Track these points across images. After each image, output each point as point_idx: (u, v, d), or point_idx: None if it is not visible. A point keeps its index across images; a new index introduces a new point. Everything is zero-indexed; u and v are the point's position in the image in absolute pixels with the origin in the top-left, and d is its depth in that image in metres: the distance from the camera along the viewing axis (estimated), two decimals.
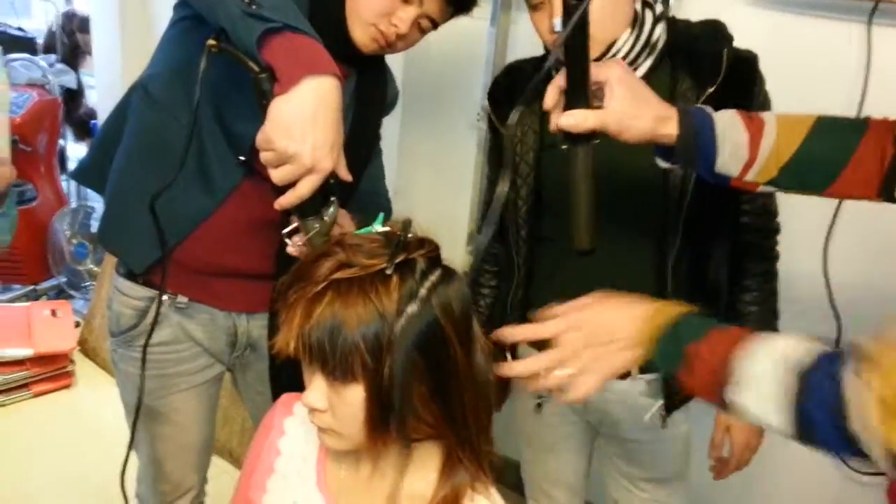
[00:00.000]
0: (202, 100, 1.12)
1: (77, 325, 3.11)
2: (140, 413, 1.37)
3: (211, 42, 0.99)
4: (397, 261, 0.78)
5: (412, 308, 0.77)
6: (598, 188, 0.99)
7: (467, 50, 2.16)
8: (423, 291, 0.78)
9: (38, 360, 2.76)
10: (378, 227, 0.85)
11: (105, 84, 3.19)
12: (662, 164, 1.03)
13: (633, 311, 0.88)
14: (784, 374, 0.74)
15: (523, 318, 1.35)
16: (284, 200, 0.98)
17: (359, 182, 1.29)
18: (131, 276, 1.32)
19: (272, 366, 1.35)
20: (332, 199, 1.04)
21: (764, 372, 0.76)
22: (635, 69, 1.19)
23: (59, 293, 3.56)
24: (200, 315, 1.34)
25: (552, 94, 0.97)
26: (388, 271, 0.77)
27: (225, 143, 1.20)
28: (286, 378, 1.26)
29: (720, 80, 1.17)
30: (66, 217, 3.52)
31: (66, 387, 2.85)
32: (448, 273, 0.82)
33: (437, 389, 0.80)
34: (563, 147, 0.99)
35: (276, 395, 1.32)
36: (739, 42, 1.23)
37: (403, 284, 0.77)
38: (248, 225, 1.26)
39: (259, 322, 1.38)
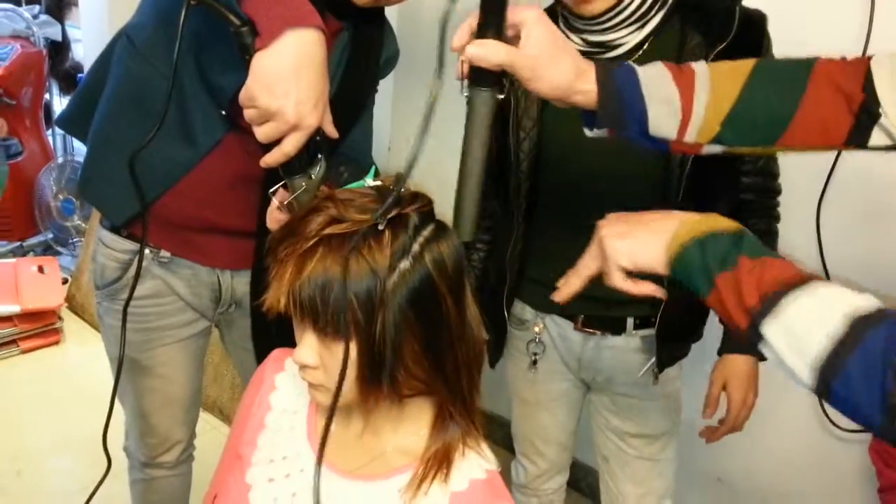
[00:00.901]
0: (183, 50, 1.09)
1: (65, 281, 3.10)
2: (124, 367, 1.37)
3: None
4: (390, 216, 0.76)
5: (405, 264, 0.76)
6: (489, 164, 0.90)
7: (464, 4, 2.12)
8: (415, 247, 0.77)
9: (26, 316, 2.75)
10: (370, 182, 0.84)
11: (91, 36, 3.12)
12: (589, 133, 0.94)
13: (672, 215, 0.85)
14: (831, 315, 0.69)
15: (521, 272, 1.36)
16: (270, 158, 0.96)
17: (341, 142, 1.26)
18: (115, 228, 1.30)
19: (255, 324, 1.34)
20: (319, 156, 1.02)
21: (809, 308, 0.71)
22: (645, 23, 1.16)
23: (46, 249, 3.54)
24: (183, 270, 1.33)
25: (463, 32, 0.87)
26: (381, 226, 0.76)
27: (207, 96, 1.17)
28: (270, 336, 1.26)
29: (730, 39, 1.13)
30: (52, 172, 3.48)
31: (55, 343, 2.85)
32: (441, 228, 0.81)
33: (429, 345, 0.79)
34: (464, 94, 0.89)
35: (259, 354, 1.32)
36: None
37: (396, 240, 0.76)
38: (231, 180, 1.24)
39: (244, 279, 1.37)
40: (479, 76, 0.86)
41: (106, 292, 1.34)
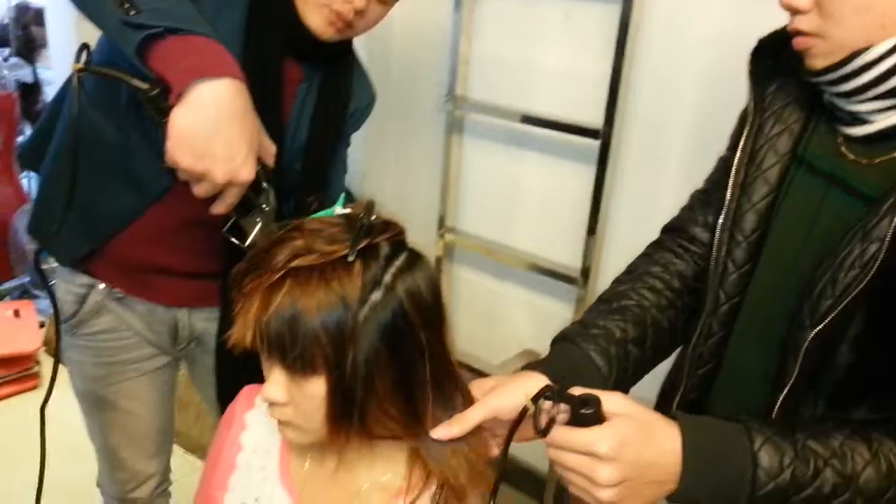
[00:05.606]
0: (126, 101, 1.09)
1: (42, 325, 3.04)
2: (90, 402, 1.37)
3: (77, 66, 0.92)
4: (360, 246, 0.74)
5: (376, 295, 0.73)
6: None
7: (432, 34, 2.12)
8: (387, 278, 0.74)
9: (3, 361, 2.70)
10: (339, 210, 0.81)
11: (62, 78, 3.09)
12: None
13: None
14: None
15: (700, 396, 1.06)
16: (216, 210, 0.95)
17: (322, 185, 1.25)
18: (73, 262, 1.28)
19: (219, 361, 1.31)
20: (265, 185, 1.00)
21: None
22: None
23: (23, 294, 3.47)
24: (138, 307, 1.31)
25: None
26: (351, 258, 0.73)
27: (152, 148, 1.13)
28: (233, 373, 1.23)
29: None
30: (26, 215, 3.43)
31: (33, 388, 2.78)
32: (414, 257, 0.78)
33: (401, 381, 0.76)
34: None
35: (221, 392, 1.30)
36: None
37: (367, 271, 0.73)
38: (184, 224, 1.21)
39: (202, 315, 1.35)
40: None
41: (66, 327, 1.32)
